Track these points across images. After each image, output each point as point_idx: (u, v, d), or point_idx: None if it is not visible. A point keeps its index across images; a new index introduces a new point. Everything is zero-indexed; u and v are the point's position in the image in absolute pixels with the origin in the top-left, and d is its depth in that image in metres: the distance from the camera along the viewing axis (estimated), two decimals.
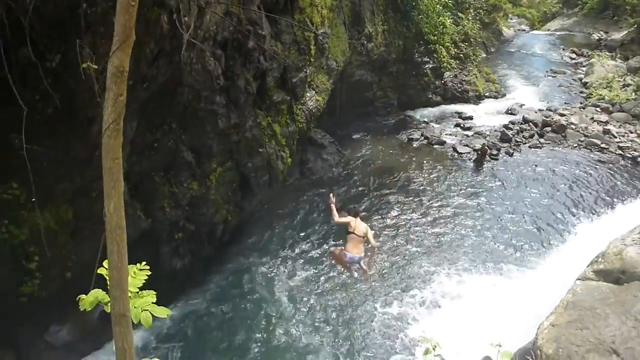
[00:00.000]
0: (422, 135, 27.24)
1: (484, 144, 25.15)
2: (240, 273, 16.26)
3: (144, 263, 3.54)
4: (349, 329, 14.19)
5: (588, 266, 7.00)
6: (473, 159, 24.34)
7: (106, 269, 3.40)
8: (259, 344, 13.73)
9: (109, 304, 3.17)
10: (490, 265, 16.60)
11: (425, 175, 22.93)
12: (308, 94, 19.97)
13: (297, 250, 17.43)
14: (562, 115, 29.42)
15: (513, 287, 15.04)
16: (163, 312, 3.25)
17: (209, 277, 15.98)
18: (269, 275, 16.13)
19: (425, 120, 29.69)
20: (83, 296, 3.25)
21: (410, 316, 14.55)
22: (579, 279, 6.54)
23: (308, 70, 19.44)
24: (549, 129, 27.87)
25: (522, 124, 28.58)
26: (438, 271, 16.33)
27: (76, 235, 12.21)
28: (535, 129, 27.91)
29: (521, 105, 31.71)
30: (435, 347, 3.85)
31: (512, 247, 17.54)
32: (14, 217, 11.15)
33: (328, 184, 21.84)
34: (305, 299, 15.24)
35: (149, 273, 3.60)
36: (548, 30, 60.41)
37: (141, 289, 3.21)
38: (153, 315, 2.98)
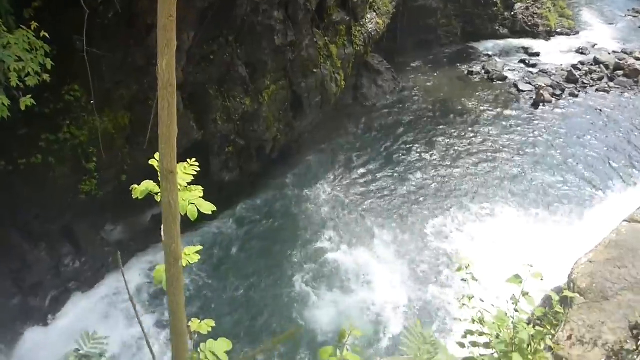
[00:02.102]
0: (483, 68, 26.16)
1: (540, 86, 23.89)
2: (286, 191, 16.64)
3: (194, 160, 3.65)
4: (390, 246, 14.60)
5: (638, 209, 6.83)
6: (532, 98, 23.31)
7: (157, 160, 3.57)
8: (298, 256, 14.30)
9: (159, 194, 3.36)
10: (537, 204, 16.36)
11: (481, 111, 22.25)
12: (368, 16, 19.36)
13: (343, 174, 17.60)
14: (638, 59, 27.46)
15: (558, 229, 14.85)
16: (209, 207, 3.39)
17: (256, 192, 16.43)
18: (313, 196, 16.47)
19: (489, 53, 28.39)
20: (135, 186, 3.41)
21: (450, 237, 14.87)
22: (625, 220, 6.41)
23: None
24: (620, 72, 26.13)
25: (592, 65, 26.90)
26: (481, 203, 16.31)
27: (131, 140, 12.69)
28: (606, 72, 26.25)
29: (594, 45, 29.70)
30: (468, 265, 3.93)
31: (562, 191, 17.13)
32: (75, 119, 11.64)
33: (381, 110, 21.60)
34: (346, 218, 15.59)
35: (198, 169, 3.70)
36: None
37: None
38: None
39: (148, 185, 3.43)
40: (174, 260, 1.42)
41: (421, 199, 16.63)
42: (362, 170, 17.87)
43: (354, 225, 15.43)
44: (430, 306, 13.00)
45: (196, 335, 2.83)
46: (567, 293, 3.50)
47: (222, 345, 2.96)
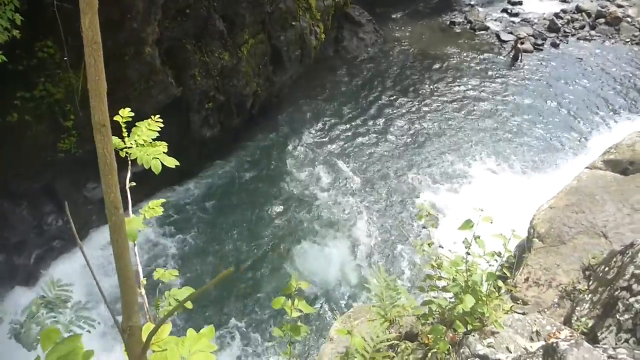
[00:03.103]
0: (465, 19, 25.99)
1: (519, 37, 23.76)
2: (267, 147, 16.71)
3: (157, 116, 3.71)
4: (367, 196, 14.92)
5: (600, 156, 7.02)
6: (509, 53, 23.16)
7: (121, 116, 3.64)
8: (278, 207, 14.54)
9: (123, 150, 3.45)
10: (515, 154, 16.62)
11: (463, 62, 22.22)
12: None
13: (323, 127, 17.67)
14: (620, 6, 27.36)
15: (533, 179, 15.15)
16: (172, 162, 3.49)
17: (237, 148, 16.47)
18: (294, 149, 16.56)
19: (471, 3, 28.14)
20: None
21: (424, 186, 15.26)
22: (587, 167, 6.61)
23: None
24: (602, 20, 26.11)
25: (574, 13, 26.84)
26: (457, 154, 16.58)
27: (110, 97, 12.57)
28: (588, 20, 26.22)
29: None
30: (429, 213, 4.10)
31: (541, 140, 17.38)
32: (50, 76, 11.47)
33: (363, 63, 21.47)
34: (326, 170, 15.78)
35: (162, 126, 3.75)
36: None
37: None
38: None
39: (113, 140, 3.50)
40: (114, 208, 1.54)
41: (400, 149, 16.83)
42: (343, 124, 17.93)
43: (334, 178, 15.62)
44: (397, 252, 13.38)
45: (161, 284, 2.98)
46: (516, 236, 3.67)
47: (185, 293, 3.13)
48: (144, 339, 1.89)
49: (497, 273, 3.72)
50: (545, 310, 4.67)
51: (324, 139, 17.14)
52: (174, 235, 13.68)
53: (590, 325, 3.97)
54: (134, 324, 1.88)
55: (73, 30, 10.89)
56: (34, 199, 12.28)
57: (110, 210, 1.57)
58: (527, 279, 5.02)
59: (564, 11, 26.90)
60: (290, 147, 16.63)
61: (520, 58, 22.19)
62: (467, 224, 3.62)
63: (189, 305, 3.18)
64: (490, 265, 3.79)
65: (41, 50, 11.20)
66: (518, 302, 4.92)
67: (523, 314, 4.22)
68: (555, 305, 4.73)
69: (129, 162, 3.54)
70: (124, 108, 3.72)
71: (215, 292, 12.27)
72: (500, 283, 3.84)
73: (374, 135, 17.51)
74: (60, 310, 2.97)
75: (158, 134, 3.77)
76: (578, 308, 4.28)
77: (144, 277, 2.97)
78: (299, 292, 3.06)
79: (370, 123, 18.05)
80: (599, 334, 3.64)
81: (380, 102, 19.22)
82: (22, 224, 12.06)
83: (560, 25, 25.37)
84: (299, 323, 3.14)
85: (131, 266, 1.76)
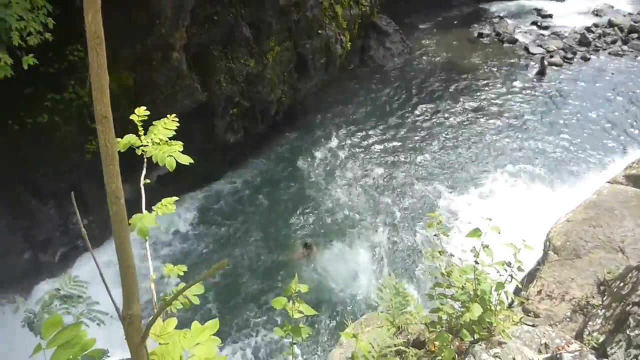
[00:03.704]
0: (493, 30, 25.82)
1: (544, 55, 23.50)
2: (289, 153, 16.83)
3: (173, 115, 3.77)
4: (385, 203, 14.96)
5: (622, 170, 6.90)
6: (537, 66, 22.88)
7: (138, 115, 3.72)
8: (298, 216, 14.60)
9: (140, 147, 3.53)
10: (540, 168, 16.40)
11: (490, 74, 22.05)
12: None
13: (347, 136, 17.72)
14: None
15: (553, 193, 14.93)
16: (186, 159, 3.55)
17: (260, 154, 16.64)
18: (316, 157, 16.65)
19: (500, 15, 27.94)
20: (118, 139, 3.56)
21: (442, 195, 15.20)
22: (608, 181, 6.49)
23: None
24: (635, 35, 25.58)
25: (606, 27, 26.38)
26: (478, 165, 16.47)
27: (137, 101, 12.84)
28: (620, 35, 25.74)
29: (611, 7, 29.06)
30: (440, 222, 4.10)
31: (567, 154, 17.11)
32: (80, 79, 11.79)
33: (389, 73, 21.49)
34: (348, 179, 15.82)
35: (177, 124, 3.78)
36: None
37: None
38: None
39: (130, 138, 3.60)
40: (115, 198, 1.60)
41: (420, 159, 16.77)
42: (365, 132, 17.95)
43: (354, 185, 15.64)
44: (412, 259, 13.33)
45: (168, 278, 3.04)
46: (527, 247, 3.64)
47: (193, 289, 3.19)
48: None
49: (508, 283, 3.71)
50: (557, 323, 4.60)
51: (346, 147, 17.18)
52: (194, 236, 13.86)
53: (601, 340, 3.90)
54: (134, 313, 1.94)
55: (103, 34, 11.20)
56: (61, 199, 12.58)
57: (112, 200, 1.63)
58: (539, 292, 4.96)
59: (595, 25, 26.50)
60: (312, 154, 16.72)
61: (545, 73, 21.94)
62: (475, 232, 3.62)
63: (195, 300, 3.25)
64: (500, 276, 3.77)
65: (72, 54, 11.52)
66: (530, 314, 4.86)
67: (533, 326, 4.17)
68: (568, 319, 4.66)
69: (145, 160, 3.61)
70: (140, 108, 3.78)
71: (232, 291, 12.41)
72: (510, 293, 3.82)
73: (396, 144, 17.51)
74: (74, 304, 3.06)
75: (177, 134, 3.81)
76: (590, 323, 4.21)
77: (153, 273, 3.05)
78: (299, 294, 3.09)
79: (393, 132, 18.04)
80: (608, 349, 3.57)
81: (403, 112, 19.20)
82: (49, 223, 12.37)
83: (591, 40, 24.98)
84: (300, 324, 3.17)
85: (132, 255, 1.83)
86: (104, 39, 1.61)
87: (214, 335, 2.41)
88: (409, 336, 4.21)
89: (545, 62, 22.28)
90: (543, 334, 3.86)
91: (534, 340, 3.80)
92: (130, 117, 3.66)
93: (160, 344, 2.63)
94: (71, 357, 2.16)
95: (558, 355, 2.86)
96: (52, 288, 11.03)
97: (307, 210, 14.76)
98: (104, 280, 2.14)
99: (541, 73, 22.01)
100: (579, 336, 4.23)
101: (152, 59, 12.43)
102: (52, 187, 12.15)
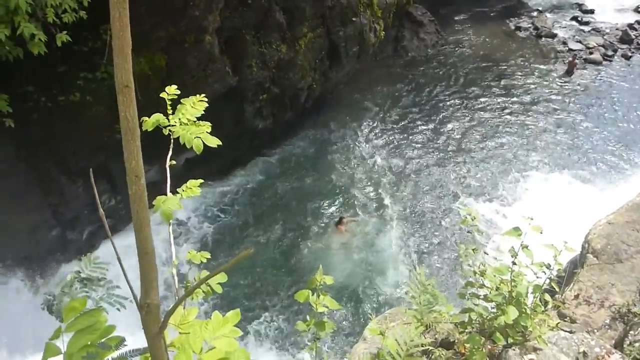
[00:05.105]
0: (531, 24, 25.08)
1: (588, 47, 22.72)
2: (317, 142, 16.67)
3: (202, 95, 3.63)
4: (413, 197, 14.79)
5: None
6: (583, 57, 22.15)
7: (168, 93, 3.59)
8: (323, 206, 14.48)
9: (167, 127, 3.40)
10: (577, 168, 15.94)
11: (526, 69, 21.45)
12: None
13: (376, 126, 17.47)
14: None
15: (591, 194, 14.47)
16: (214, 141, 3.40)
17: (287, 141, 16.51)
18: (344, 148, 16.47)
19: (539, 8, 27.11)
20: (146, 118, 3.45)
21: (473, 192, 14.93)
22: None
23: None
24: None
25: None
26: (511, 162, 16.09)
27: (167, 82, 12.77)
28: None
29: None
30: (474, 218, 3.90)
31: (604, 155, 16.58)
32: (112, 59, 11.81)
33: (422, 64, 21.10)
34: (377, 170, 15.61)
35: (206, 104, 3.64)
36: None
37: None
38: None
39: (158, 117, 3.48)
40: (135, 177, 1.46)
41: (450, 153, 16.47)
42: (395, 124, 17.68)
43: (381, 178, 15.43)
44: (441, 257, 13.09)
45: (191, 266, 2.93)
46: (568, 249, 3.42)
47: (216, 277, 3.07)
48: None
49: (545, 287, 3.50)
50: (595, 330, 4.37)
51: (374, 138, 16.94)
52: (220, 221, 13.85)
53: None
54: (152, 302, 1.81)
55: (137, 15, 11.16)
56: (89, 178, 12.66)
57: (131, 179, 1.50)
58: (577, 296, 4.72)
59: (638, 22, 25.54)
60: (340, 144, 16.54)
61: (572, 72, 21.14)
62: (515, 231, 3.41)
63: (218, 289, 3.13)
64: (537, 277, 3.57)
65: (105, 33, 11.51)
66: (566, 319, 4.63)
67: (570, 332, 3.96)
68: (607, 326, 4.42)
69: (172, 140, 3.49)
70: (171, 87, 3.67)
71: (255, 281, 12.37)
72: (547, 297, 3.62)
73: (425, 137, 17.21)
74: (94, 287, 2.97)
75: (206, 118, 3.66)
76: (632, 332, 3.98)
77: (175, 259, 2.93)
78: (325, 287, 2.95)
79: (423, 125, 17.72)
80: None
81: (434, 104, 18.84)
82: (77, 201, 12.48)
83: (634, 37, 24.08)
84: (325, 319, 3.03)
85: (151, 240, 1.69)
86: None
87: (235, 326, 2.29)
88: (437, 335, 4.04)
89: (576, 61, 21.49)
90: (581, 341, 3.65)
91: (572, 347, 3.59)
92: (161, 95, 3.54)
93: (180, 333, 2.52)
94: (89, 343, 2.06)
95: None
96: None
97: (331, 201, 14.62)
98: (121, 266, 2.02)
99: (568, 73, 21.25)
100: (618, 345, 4.00)
101: (185, 42, 12.37)
102: (81, 166, 12.23)
